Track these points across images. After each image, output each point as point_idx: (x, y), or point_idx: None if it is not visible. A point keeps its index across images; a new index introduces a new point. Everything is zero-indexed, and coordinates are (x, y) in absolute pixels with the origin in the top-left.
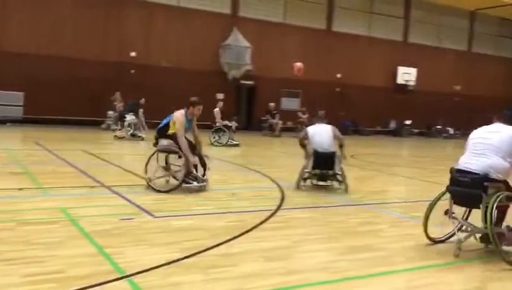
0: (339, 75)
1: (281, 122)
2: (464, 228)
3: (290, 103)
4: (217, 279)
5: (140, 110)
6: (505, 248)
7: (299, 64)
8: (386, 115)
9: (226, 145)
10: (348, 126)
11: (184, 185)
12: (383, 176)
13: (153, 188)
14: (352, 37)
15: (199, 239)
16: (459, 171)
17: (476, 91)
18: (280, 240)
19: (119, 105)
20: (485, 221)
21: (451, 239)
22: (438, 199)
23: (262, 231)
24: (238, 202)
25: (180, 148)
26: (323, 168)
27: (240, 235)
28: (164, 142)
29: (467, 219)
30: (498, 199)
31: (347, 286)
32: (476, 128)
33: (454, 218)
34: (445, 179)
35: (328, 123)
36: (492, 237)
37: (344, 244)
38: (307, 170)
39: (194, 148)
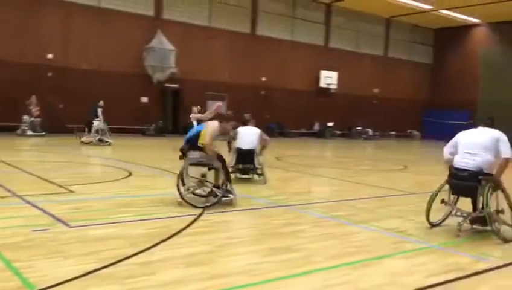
0: (263, 79)
1: None
2: (453, 212)
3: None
4: (134, 289)
5: (99, 110)
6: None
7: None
8: (310, 118)
9: None
10: (274, 129)
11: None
12: (307, 177)
13: (187, 202)
14: (276, 41)
15: (117, 248)
16: (457, 168)
17: (391, 94)
18: (202, 245)
19: (35, 109)
20: (482, 206)
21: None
22: (439, 191)
23: (184, 237)
24: (160, 208)
25: (211, 160)
26: (244, 163)
27: (160, 243)
28: (195, 154)
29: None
30: (490, 189)
31: (268, 288)
32: (394, 129)
33: (449, 205)
34: (367, 179)
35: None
36: (489, 218)
37: (266, 246)
38: (231, 165)
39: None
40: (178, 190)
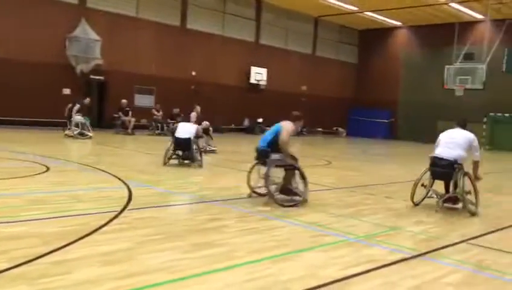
0: (193, 73)
1: (134, 119)
2: (430, 194)
3: (144, 100)
4: (46, 289)
5: (75, 108)
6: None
7: None
8: (240, 113)
9: (204, 151)
10: None
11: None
12: (234, 173)
13: (277, 202)
14: (206, 36)
15: (30, 247)
16: (437, 158)
17: (319, 91)
18: (122, 242)
19: None
20: (455, 188)
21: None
22: (421, 177)
23: (103, 234)
24: (78, 205)
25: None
26: (182, 149)
27: (77, 240)
28: (277, 156)
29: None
30: (462, 175)
31: (186, 285)
32: (321, 126)
33: (428, 188)
34: None
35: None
36: (462, 197)
37: (188, 242)
38: (170, 151)
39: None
40: (268, 190)
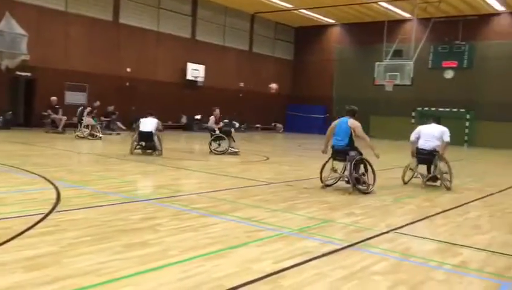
0: (128, 69)
1: (65, 117)
2: (415, 175)
3: (75, 97)
4: None
5: (86, 111)
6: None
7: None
8: (177, 110)
9: (226, 153)
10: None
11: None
12: (170, 171)
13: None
14: (141, 31)
15: None
16: (421, 148)
17: (257, 88)
18: (48, 246)
19: None
20: (435, 170)
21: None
22: (409, 164)
23: (27, 239)
24: (0, 208)
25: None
26: (145, 141)
27: None
28: (352, 153)
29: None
30: (438, 159)
31: (116, 286)
32: (259, 122)
33: (412, 170)
34: (230, 170)
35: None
36: (441, 176)
37: (119, 243)
38: (136, 142)
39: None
40: (351, 180)
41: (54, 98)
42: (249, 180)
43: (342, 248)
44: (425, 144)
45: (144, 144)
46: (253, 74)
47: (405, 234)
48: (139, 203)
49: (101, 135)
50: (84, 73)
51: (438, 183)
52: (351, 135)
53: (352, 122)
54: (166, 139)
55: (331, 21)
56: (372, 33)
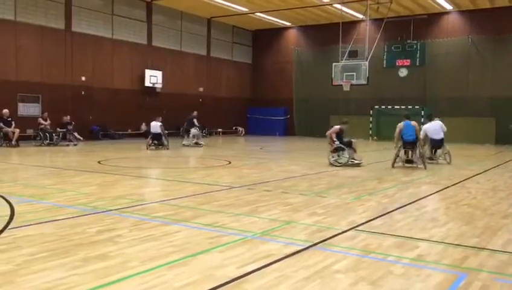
0: (83, 78)
1: (18, 130)
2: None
3: (28, 109)
4: None
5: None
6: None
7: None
8: (137, 118)
9: (347, 165)
10: (97, 131)
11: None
12: (130, 180)
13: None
14: (94, 39)
15: None
16: (435, 139)
17: (216, 92)
18: (1, 265)
19: None
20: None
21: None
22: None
23: None
24: None
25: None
26: (156, 139)
27: None
28: (417, 152)
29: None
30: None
31: None
32: (220, 126)
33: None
34: (191, 176)
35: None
36: (447, 152)
37: (77, 257)
38: (150, 141)
39: None
40: (422, 161)
41: (5, 111)
42: (210, 186)
43: (305, 249)
44: (436, 136)
45: (156, 142)
46: (213, 78)
47: (365, 231)
48: (97, 215)
49: (203, 143)
50: (36, 83)
51: (435, 161)
52: (416, 131)
53: (414, 124)
54: (123, 148)
55: (288, 24)
56: (328, 35)
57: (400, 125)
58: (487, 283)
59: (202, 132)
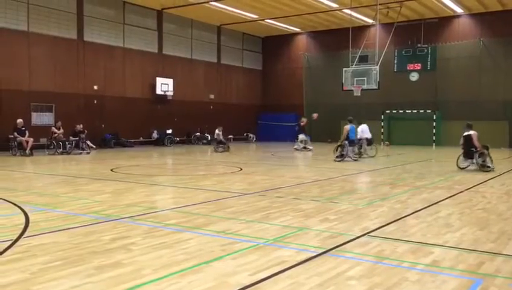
0: (95, 87)
1: (32, 139)
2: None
3: (42, 118)
4: None
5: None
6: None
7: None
8: (148, 125)
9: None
10: (110, 139)
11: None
12: (142, 187)
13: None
14: (107, 48)
15: None
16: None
17: (227, 99)
18: (17, 273)
19: None
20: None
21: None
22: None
23: None
24: None
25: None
26: (220, 143)
27: None
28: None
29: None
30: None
31: None
32: (231, 133)
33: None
34: (203, 183)
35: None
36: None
37: (92, 265)
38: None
39: None
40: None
41: (19, 120)
42: (222, 193)
43: (317, 255)
44: (366, 135)
45: (221, 146)
46: (223, 85)
47: (378, 236)
48: (110, 223)
49: (311, 148)
50: (50, 93)
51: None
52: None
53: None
54: (136, 155)
55: (297, 30)
56: (338, 40)
57: (347, 127)
58: (503, 288)
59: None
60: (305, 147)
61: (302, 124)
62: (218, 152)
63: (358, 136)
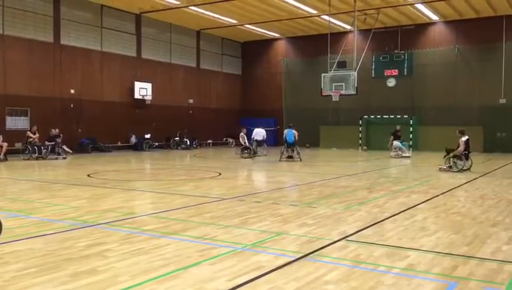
0: (72, 91)
1: (6, 144)
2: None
3: (17, 122)
4: None
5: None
6: None
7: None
8: (126, 130)
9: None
10: (87, 144)
11: None
12: (119, 193)
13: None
14: (83, 51)
15: None
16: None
17: (206, 104)
18: None
19: None
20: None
21: None
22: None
23: None
24: None
25: None
26: (245, 149)
27: None
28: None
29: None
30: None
31: None
32: (211, 137)
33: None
34: (181, 189)
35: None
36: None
37: (66, 273)
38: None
39: None
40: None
41: None
42: (201, 198)
43: (295, 260)
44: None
45: (246, 151)
46: (202, 89)
47: (356, 241)
48: (86, 229)
49: (409, 154)
50: (25, 97)
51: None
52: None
53: (295, 131)
54: (113, 161)
55: (277, 35)
56: (317, 45)
57: (285, 131)
58: None
59: (193, 144)
60: (400, 154)
61: (398, 132)
62: (243, 158)
63: (254, 138)
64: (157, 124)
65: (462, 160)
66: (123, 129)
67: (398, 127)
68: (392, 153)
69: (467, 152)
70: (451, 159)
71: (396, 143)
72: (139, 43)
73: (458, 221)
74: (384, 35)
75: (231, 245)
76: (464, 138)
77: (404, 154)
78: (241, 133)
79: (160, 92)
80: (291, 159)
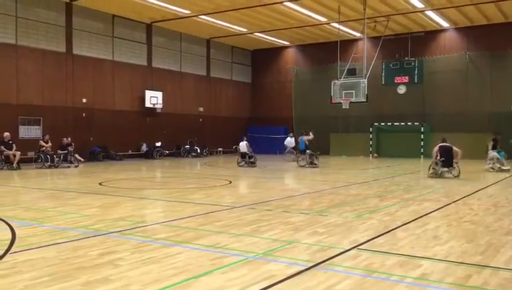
0: (84, 100)
1: (19, 153)
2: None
3: (30, 131)
4: None
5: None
6: None
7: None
8: (137, 138)
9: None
10: (98, 152)
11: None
12: (131, 201)
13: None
14: (95, 61)
15: None
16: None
17: (216, 112)
18: None
19: None
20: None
21: None
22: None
23: None
24: None
25: None
26: (244, 157)
27: None
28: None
29: None
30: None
31: None
32: (221, 146)
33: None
34: (192, 197)
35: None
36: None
37: (78, 281)
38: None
39: None
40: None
41: (6, 134)
42: (211, 206)
43: (307, 269)
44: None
45: (246, 160)
46: (212, 98)
47: (367, 249)
48: (98, 238)
49: (508, 168)
50: (38, 106)
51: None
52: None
53: (305, 138)
54: (124, 169)
55: (286, 43)
56: (327, 53)
57: (298, 139)
58: None
59: (203, 152)
60: (498, 167)
61: (496, 141)
62: (240, 166)
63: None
64: (167, 132)
65: (438, 167)
66: (134, 137)
67: (497, 136)
68: (487, 166)
69: (443, 159)
70: (430, 166)
71: (493, 153)
72: (149, 52)
73: (471, 229)
74: (394, 42)
75: (243, 254)
76: (436, 147)
77: (503, 167)
78: (242, 142)
79: (171, 100)
80: (312, 165)
